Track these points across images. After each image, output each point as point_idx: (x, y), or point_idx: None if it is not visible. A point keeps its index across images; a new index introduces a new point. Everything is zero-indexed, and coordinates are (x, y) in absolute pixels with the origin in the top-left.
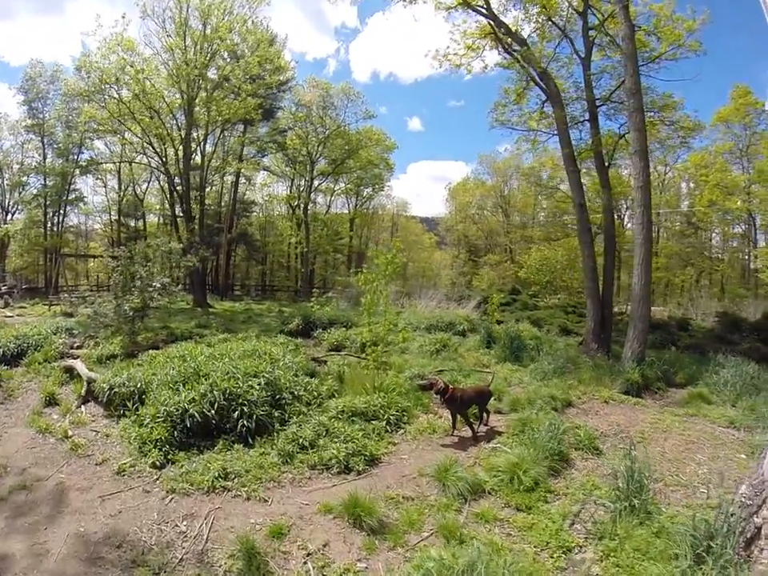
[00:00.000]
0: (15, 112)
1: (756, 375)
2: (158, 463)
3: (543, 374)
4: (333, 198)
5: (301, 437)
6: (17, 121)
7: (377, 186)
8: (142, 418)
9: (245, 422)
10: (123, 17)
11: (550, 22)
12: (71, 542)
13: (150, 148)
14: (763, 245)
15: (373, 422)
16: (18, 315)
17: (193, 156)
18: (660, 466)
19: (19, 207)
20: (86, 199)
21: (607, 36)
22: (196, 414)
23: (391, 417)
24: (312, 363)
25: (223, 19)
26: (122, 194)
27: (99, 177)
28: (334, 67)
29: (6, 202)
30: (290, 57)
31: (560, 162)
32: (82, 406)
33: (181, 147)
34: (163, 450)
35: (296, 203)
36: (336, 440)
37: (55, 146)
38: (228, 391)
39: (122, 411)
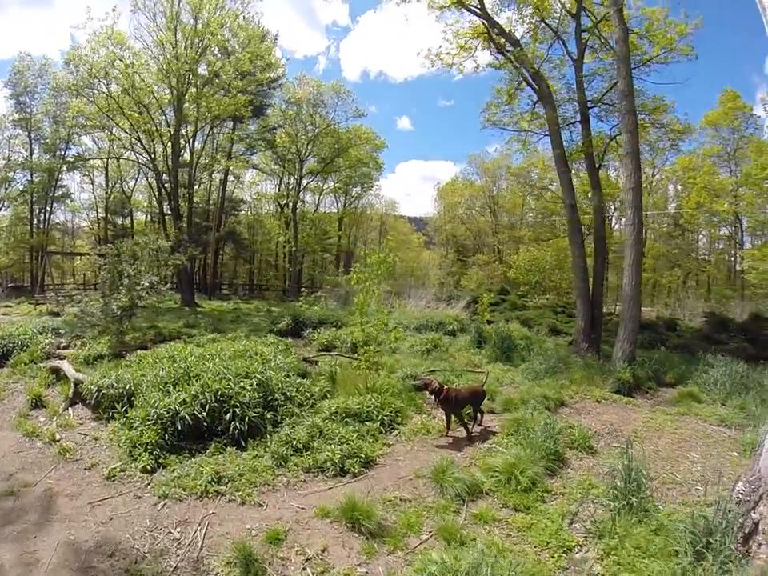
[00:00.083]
0: (2, 106)
1: (745, 374)
2: (148, 467)
3: (535, 373)
4: (321, 197)
5: (294, 439)
6: (3, 115)
7: (366, 185)
8: (131, 421)
9: (237, 424)
10: (114, 10)
11: (543, 24)
12: (62, 550)
13: (139, 144)
14: (749, 246)
15: (367, 423)
16: (2, 314)
17: (181, 153)
18: (654, 464)
19: (5, 204)
20: (72, 196)
21: (599, 39)
22: (187, 417)
23: (385, 418)
24: (303, 363)
25: (215, 14)
26: (109, 191)
27: (86, 173)
28: (324, 65)
29: None
30: (280, 54)
31: (550, 163)
32: (70, 408)
33: (170, 144)
34: (154, 453)
35: (285, 202)
36: (330, 442)
37: (42, 141)
38: (219, 392)
39: (110, 414)
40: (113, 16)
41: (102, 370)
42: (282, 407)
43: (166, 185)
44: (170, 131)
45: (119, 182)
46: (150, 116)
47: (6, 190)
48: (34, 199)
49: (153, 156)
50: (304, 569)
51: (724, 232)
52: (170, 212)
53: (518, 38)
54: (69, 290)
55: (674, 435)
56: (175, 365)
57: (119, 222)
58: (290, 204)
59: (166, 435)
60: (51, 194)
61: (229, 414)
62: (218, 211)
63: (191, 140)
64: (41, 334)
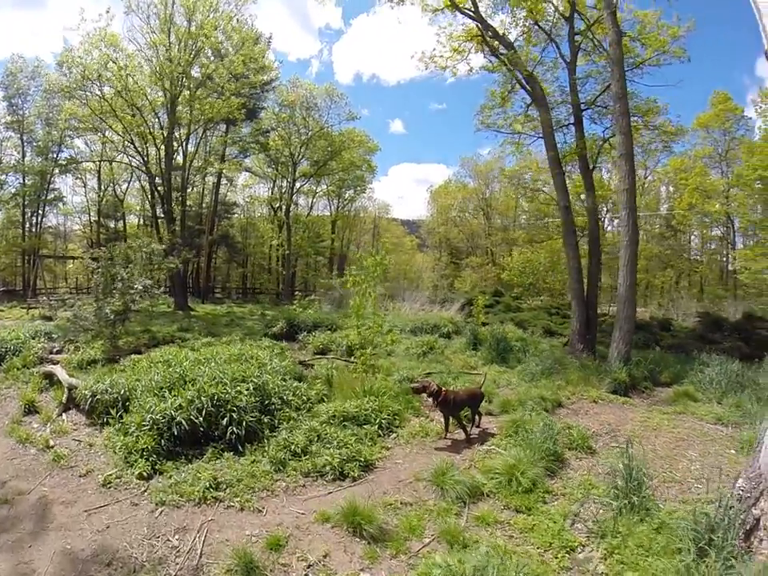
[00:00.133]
0: None
1: (740, 373)
2: (145, 474)
3: (531, 375)
4: (314, 200)
5: (292, 443)
6: None
7: (359, 188)
8: (126, 427)
9: (234, 429)
10: (107, 11)
11: (536, 26)
12: (58, 560)
13: (132, 147)
14: (741, 247)
15: (365, 426)
16: None
17: (175, 156)
18: (653, 463)
19: None
20: (65, 199)
21: (592, 41)
22: (183, 422)
23: (383, 421)
24: (299, 367)
25: (208, 16)
26: (101, 194)
27: (79, 176)
28: (317, 68)
29: None
30: (273, 57)
31: (543, 165)
32: (63, 413)
33: (163, 146)
34: (150, 459)
35: (278, 205)
36: (329, 446)
37: (35, 143)
38: (216, 397)
39: (105, 419)
40: (106, 18)
41: (96, 375)
42: (279, 411)
43: (159, 188)
44: (163, 134)
45: (112, 185)
46: (143, 118)
47: None
48: (26, 202)
49: (146, 159)
50: (306, 575)
51: (716, 232)
52: (162, 215)
53: (512, 40)
54: (61, 294)
55: (672, 434)
56: (170, 369)
57: (112, 225)
58: (284, 207)
59: (162, 441)
60: (43, 197)
61: (226, 419)
62: (211, 214)
63: (184, 143)
64: (33, 338)
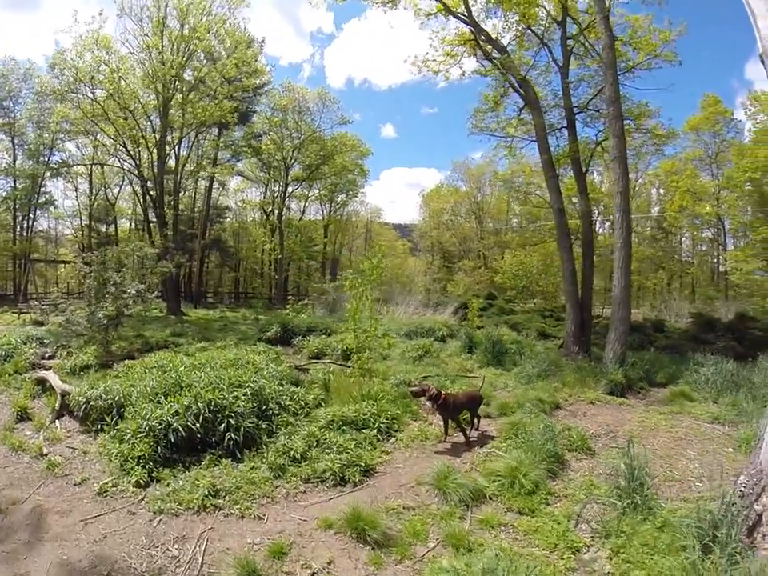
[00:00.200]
0: None
1: (735, 372)
2: (141, 482)
3: (528, 377)
4: (307, 204)
5: (291, 449)
6: None
7: (351, 193)
8: (122, 434)
9: (232, 435)
10: (101, 13)
11: (529, 31)
12: (54, 571)
13: (124, 150)
14: (731, 248)
15: (363, 430)
16: None
17: (167, 159)
18: (653, 462)
19: None
20: (56, 203)
21: (584, 46)
22: (180, 428)
23: (381, 425)
24: (295, 372)
25: (201, 19)
26: (93, 198)
27: (70, 180)
28: (308, 72)
29: None
30: (265, 61)
31: (536, 169)
32: (57, 420)
33: (155, 150)
34: (147, 467)
35: (270, 209)
36: (328, 451)
37: (26, 146)
38: (213, 403)
39: (99, 426)
40: (99, 20)
41: (90, 381)
42: (276, 416)
43: (151, 192)
44: (155, 137)
45: (103, 188)
46: (136, 121)
47: None
48: (17, 206)
49: (138, 162)
50: None
51: (706, 234)
52: (155, 219)
53: (504, 45)
54: (54, 299)
55: (670, 434)
56: (165, 375)
57: (103, 229)
58: (276, 211)
59: (159, 448)
60: (34, 201)
61: (223, 425)
62: (203, 219)
63: (177, 146)
64: (25, 343)
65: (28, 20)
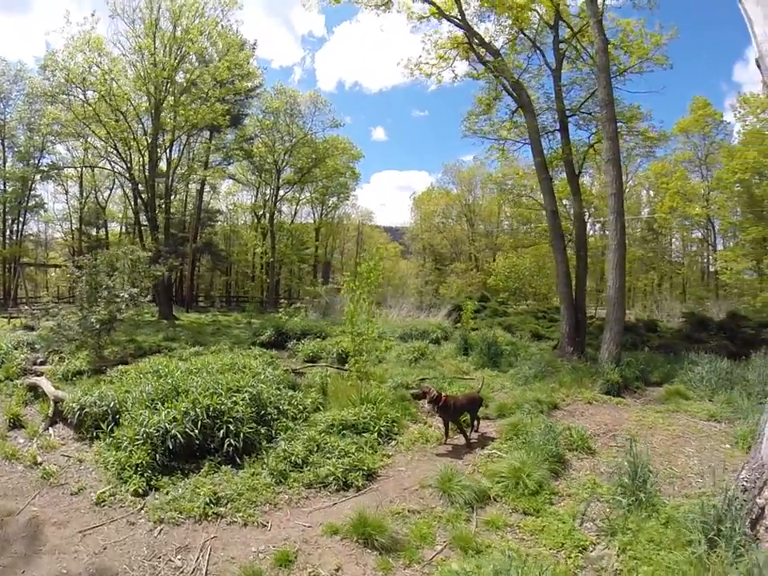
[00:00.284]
0: None
1: (729, 370)
2: (140, 491)
3: (524, 378)
4: (298, 207)
5: (292, 454)
6: None
7: (342, 196)
8: (118, 441)
9: (231, 441)
10: (93, 15)
11: (521, 34)
12: None
13: (115, 153)
14: (721, 248)
15: (364, 434)
16: None
17: (158, 162)
18: (652, 460)
19: None
20: (46, 206)
21: (576, 49)
22: (178, 435)
23: (382, 428)
24: (292, 376)
25: (194, 21)
26: (83, 201)
27: (60, 183)
28: (299, 75)
29: None
30: (257, 63)
31: (528, 171)
32: (50, 428)
33: (146, 152)
34: (145, 475)
35: (261, 212)
36: (329, 455)
37: (16, 149)
38: (211, 408)
39: (94, 433)
40: (91, 21)
41: (83, 387)
42: (275, 421)
43: (142, 195)
44: (146, 140)
45: (94, 192)
46: (127, 124)
47: None
48: (6, 209)
49: (129, 165)
50: None
51: (696, 235)
52: (146, 223)
53: (498, 48)
54: (45, 303)
55: (667, 432)
56: (161, 380)
57: (94, 233)
58: (267, 214)
59: (157, 455)
60: (24, 204)
61: (222, 431)
62: (194, 222)
63: (168, 149)
64: (16, 349)
65: (18, 22)
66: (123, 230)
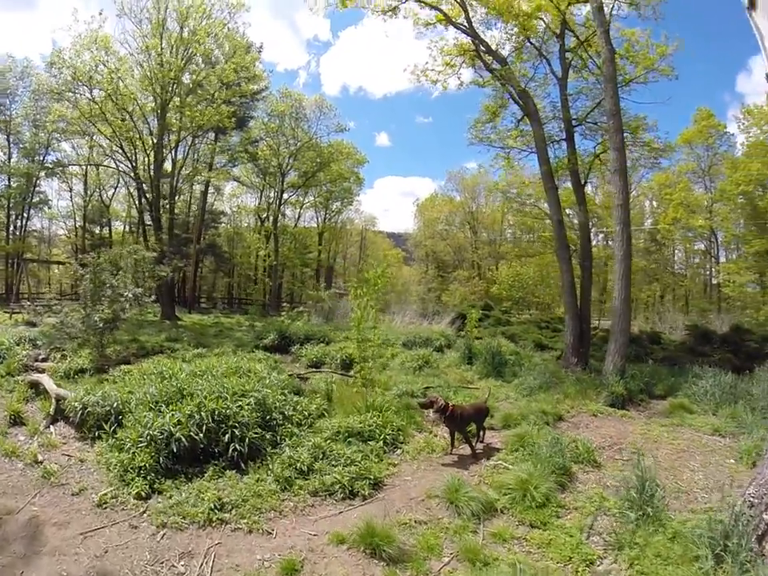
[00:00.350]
0: None
1: (733, 385)
2: (143, 493)
3: (529, 389)
4: (302, 211)
5: (298, 461)
6: None
7: (346, 200)
8: (121, 442)
9: (237, 446)
10: (100, 13)
11: (528, 43)
12: None
13: (120, 152)
14: (723, 260)
15: (369, 442)
16: None
17: (163, 162)
18: (657, 474)
19: None
20: (50, 203)
21: (581, 58)
22: (183, 438)
23: (387, 437)
24: (296, 381)
25: (201, 22)
26: (87, 199)
27: (65, 180)
28: (304, 79)
29: None
30: (262, 67)
31: (534, 180)
32: (51, 426)
33: (152, 152)
34: (148, 478)
35: (265, 215)
36: (335, 463)
37: (21, 145)
38: (216, 412)
39: (96, 433)
40: (99, 20)
41: (86, 386)
42: (280, 427)
43: (147, 194)
44: (152, 140)
45: (98, 190)
46: (133, 123)
47: None
48: (10, 204)
49: (134, 164)
50: None
51: (699, 246)
52: (150, 222)
53: (504, 56)
54: (48, 300)
55: (672, 446)
56: (165, 382)
57: (97, 231)
58: (271, 217)
59: (161, 458)
60: (29, 200)
61: (227, 435)
62: (198, 223)
63: (173, 150)
64: (18, 344)
65: (24, 19)
66: (127, 229)
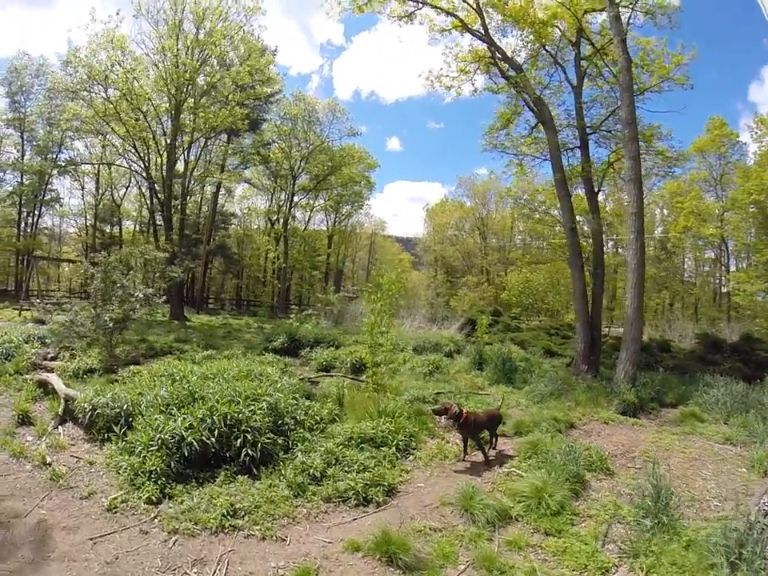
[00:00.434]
0: None
1: (744, 394)
2: (154, 498)
3: (540, 396)
4: (312, 214)
5: (311, 466)
6: None
7: (356, 204)
8: (131, 446)
9: (249, 451)
10: (117, 13)
11: (543, 50)
12: None
13: (133, 151)
14: (734, 269)
15: (382, 448)
16: None
17: (176, 163)
18: (670, 483)
19: None
20: (62, 201)
21: (597, 66)
22: (194, 442)
23: (400, 443)
24: (307, 385)
25: (218, 25)
26: (99, 197)
27: (77, 178)
28: (317, 83)
29: None
30: (276, 70)
31: (546, 188)
32: (60, 426)
33: (165, 153)
34: (159, 482)
35: (275, 217)
36: (348, 469)
37: (35, 142)
38: (229, 416)
39: (106, 435)
40: (116, 20)
41: (95, 387)
42: (292, 432)
43: (158, 194)
44: (165, 140)
45: (110, 189)
46: (147, 123)
47: None
48: (22, 201)
49: (147, 164)
50: None
51: (710, 255)
52: (161, 222)
53: (520, 63)
54: (58, 298)
55: (684, 454)
56: (176, 384)
57: (108, 230)
58: (281, 220)
59: (171, 462)
60: (40, 198)
61: (240, 440)
62: (208, 224)
63: (186, 151)
64: (26, 342)
65: (41, 16)
66: (137, 228)
